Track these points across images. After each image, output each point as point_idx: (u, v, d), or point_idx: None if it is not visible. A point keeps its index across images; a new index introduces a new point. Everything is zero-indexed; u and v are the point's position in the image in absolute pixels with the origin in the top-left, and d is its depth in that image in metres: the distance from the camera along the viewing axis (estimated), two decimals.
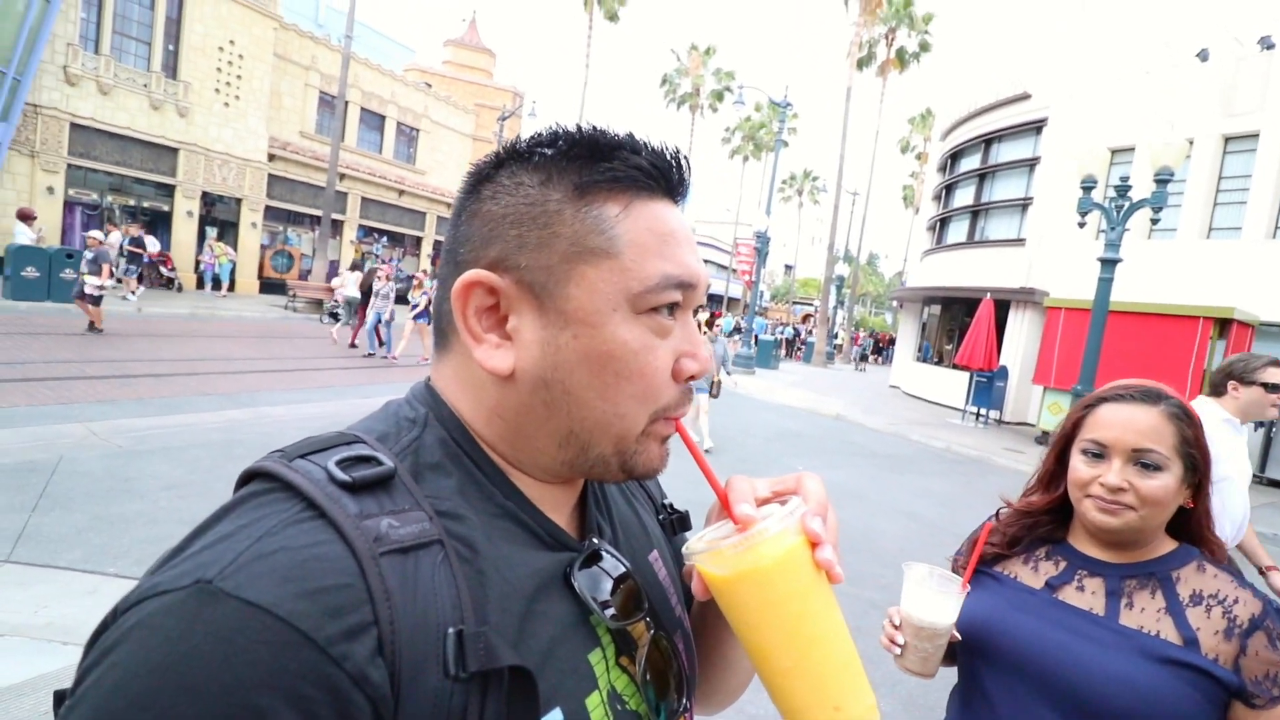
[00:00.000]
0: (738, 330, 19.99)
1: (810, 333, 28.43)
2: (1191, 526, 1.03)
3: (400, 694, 0.36)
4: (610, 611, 0.49)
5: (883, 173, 77.16)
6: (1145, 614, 0.96)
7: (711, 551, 0.47)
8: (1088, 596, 1.01)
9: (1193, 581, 0.97)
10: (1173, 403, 1.00)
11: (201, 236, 17.75)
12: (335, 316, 14.10)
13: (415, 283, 11.66)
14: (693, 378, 0.51)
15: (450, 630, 0.39)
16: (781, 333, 29.06)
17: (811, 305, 44.71)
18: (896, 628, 1.05)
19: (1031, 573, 1.08)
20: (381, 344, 11.46)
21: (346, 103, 19.13)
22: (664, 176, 0.50)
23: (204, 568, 0.35)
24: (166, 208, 17.03)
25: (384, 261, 17.25)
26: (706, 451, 7.04)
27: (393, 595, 0.38)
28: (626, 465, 0.50)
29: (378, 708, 0.35)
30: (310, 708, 0.33)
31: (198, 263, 17.48)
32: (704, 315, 9.22)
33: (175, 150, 16.60)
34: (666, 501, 0.72)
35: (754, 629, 0.46)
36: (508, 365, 0.48)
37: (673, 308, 0.50)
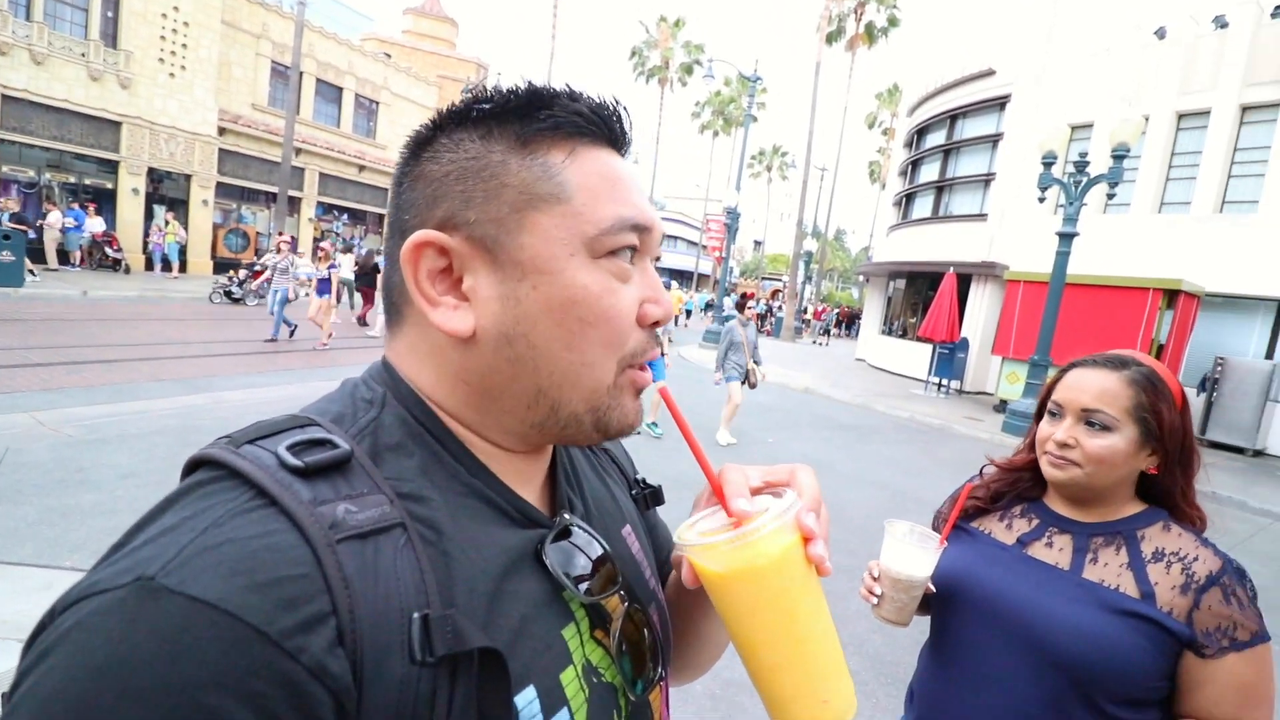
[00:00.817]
0: (710, 306, 20.11)
1: (780, 308, 28.73)
2: (1161, 494, 1.06)
3: (364, 683, 0.35)
4: (585, 585, 0.49)
5: (850, 149, 77.67)
6: (1108, 569, 1.01)
7: (705, 546, 0.46)
8: (1055, 552, 1.06)
9: (1156, 540, 1.01)
10: (1141, 370, 1.03)
11: (149, 215, 17.00)
12: (229, 295, 13.23)
13: (320, 255, 10.35)
14: (657, 324, 0.51)
15: (415, 615, 0.38)
16: (752, 308, 29.24)
17: (780, 281, 45.07)
18: (875, 579, 1.09)
19: (1005, 530, 1.13)
20: (289, 325, 9.98)
21: (301, 73, 18.39)
22: (605, 124, 0.49)
23: (145, 563, 0.33)
24: (110, 185, 16.25)
25: (280, 232, 15.03)
26: (729, 445, 6.84)
27: (351, 583, 0.36)
28: (601, 423, 0.49)
29: (339, 699, 0.34)
30: (265, 704, 0.32)
31: (146, 243, 16.76)
32: (733, 297, 8.97)
33: (118, 124, 15.78)
34: (639, 476, 0.72)
35: (746, 624, 0.46)
36: (468, 326, 0.46)
37: (631, 254, 0.49)
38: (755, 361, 6.92)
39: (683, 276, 46.14)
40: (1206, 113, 11.41)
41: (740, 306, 7.37)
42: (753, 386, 6.95)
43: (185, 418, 5.38)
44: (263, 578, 0.34)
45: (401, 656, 0.37)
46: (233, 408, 5.87)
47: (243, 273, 14.17)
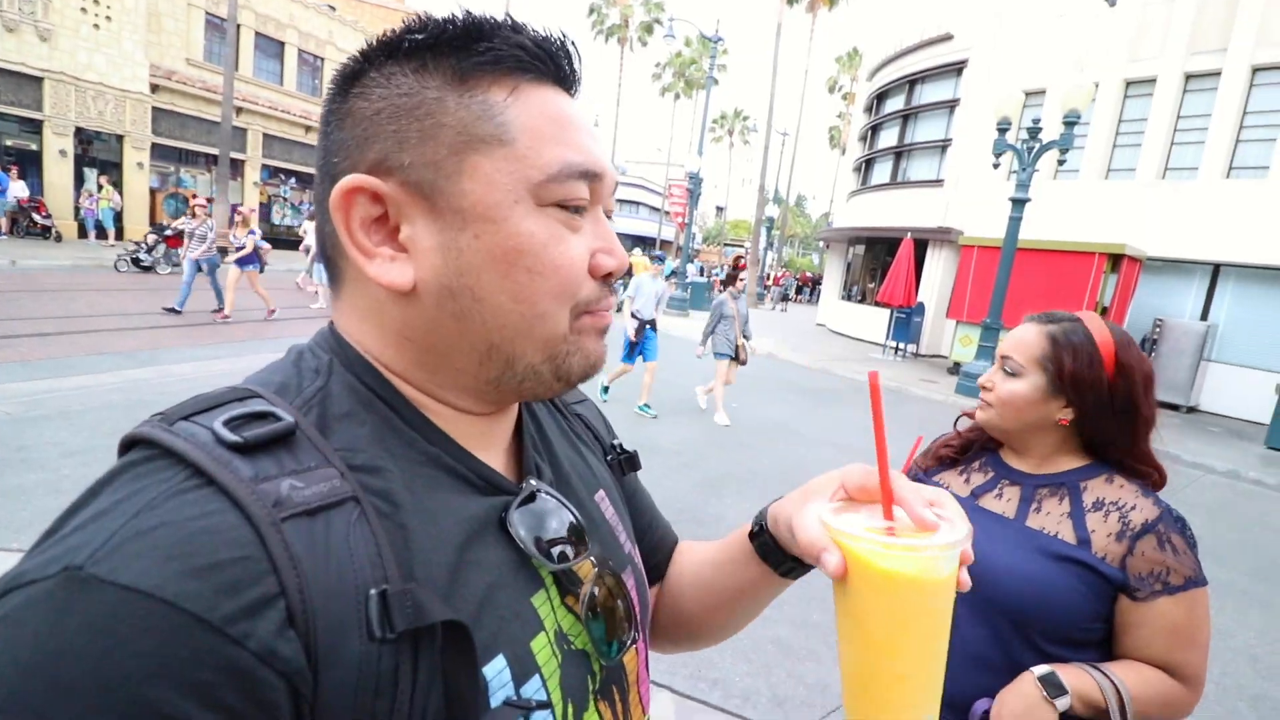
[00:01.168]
0: (675, 274, 20.12)
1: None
2: (1102, 449, 1.10)
3: (319, 665, 0.34)
4: (558, 550, 0.48)
5: (811, 113, 77.53)
6: (1049, 517, 1.07)
7: (878, 542, 0.45)
8: (1003, 503, 1.13)
9: (1098, 491, 1.07)
10: (1062, 326, 1.09)
11: (79, 179, 15.97)
12: (137, 263, 12.18)
13: (238, 220, 9.16)
14: (610, 275, 0.48)
15: (372, 592, 0.36)
16: (717, 274, 29.40)
17: (742, 247, 45.19)
18: None
19: (964, 484, 1.20)
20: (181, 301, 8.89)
21: (239, 26, 17.32)
22: (551, 60, 0.45)
23: (73, 552, 0.31)
24: (34, 146, 15.15)
25: (195, 195, 13.56)
26: (726, 426, 6.45)
27: (300, 562, 0.35)
28: (561, 371, 0.47)
29: (293, 682, 0.33)
30: (212, 693, 0.30)
31: (77, 209, 15.77)
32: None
33: (39, 79, 14.64)
34: (616, 442, 0.71)
35: (892, 628, 0.45)
36: (407, 279, 0.43)
37: (580, 209, 0.46)
38: (745, 336, 6.64)
39: (645, 243, 45.86)
40: (1153, 80, 11.71)
41: (731, 279, 6.87)
42: (743, 363, 6.60)
43: (130, 392, 5.17)
44: (201, 562, 0.32)
45: (360, 635, 0.36)
46: (180, 381, 5.66)
47: (151, 237, 12.75)
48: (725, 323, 6.52)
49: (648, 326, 6.58)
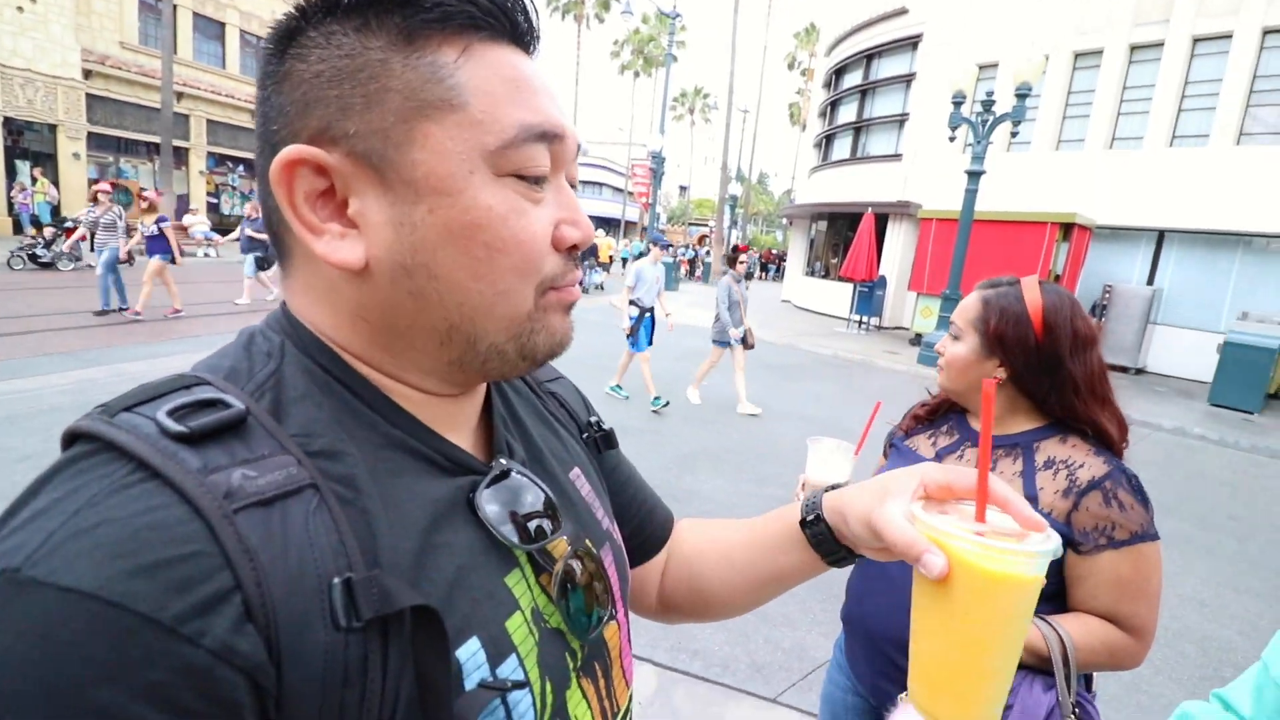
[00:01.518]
0: (641, 255, 20.10)
1: (708, 253, 28.97)
2: (1046, 409, 1.14)
3: (281, 658, 0.33)
4: (535, 525, 0.47)
5: (771, 90, 77.57)
6: (1002, 476, 1.11)
7: (983, 544, 0.45)
8: (963, 463, 1.17)
9: (1050, 450, 1.11)
10: (998, 290, 1.15)
11: (11, 171, 15.12)
12: (35, 259, 11.15)
13: (145, 205, 8.34)
14: (575, 248, 0.46)
15: (336, 580, 0.35)
16: (683, 254, 29.40)
17: (707, 226, 45.23)
18: (803, 488, 1.21)
19: (930, 446, 1.25)
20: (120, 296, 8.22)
21: (175, 6, 16.47)
22: (505, 15, 0.42)
23: (10, 554, 0.30)
24: None
25: (98, 180, 11.54)
26: (753, 415, 6.30)
27: (256, 554, 0.33)
28: (526, 350, 0.46)
29: (254, 677, 0.32)
30: (167, 694, 0.29)
31: (11, 203, 14.95)
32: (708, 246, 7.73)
33: None
34: (593, 419, 0.69)
35: (987, 628, 0.46)
36: (357, 256, 0.41)
37: (541, 180, 0.44)
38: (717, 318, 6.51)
39: (609, 224, 45.60)
40: (1100, 52, 12.01)
41: (732, 261, 6.56)
42: (750, 347, 6.41)
43: (82, 393, 4.97)
44: (147, 560, 0.31)
45: (324, 625, 0.35)
46: (133, 380, 5.38)
47: (49, 230, 11.55)
48: (733, 309, 6.33)
49: (648, 314, 6.45)
